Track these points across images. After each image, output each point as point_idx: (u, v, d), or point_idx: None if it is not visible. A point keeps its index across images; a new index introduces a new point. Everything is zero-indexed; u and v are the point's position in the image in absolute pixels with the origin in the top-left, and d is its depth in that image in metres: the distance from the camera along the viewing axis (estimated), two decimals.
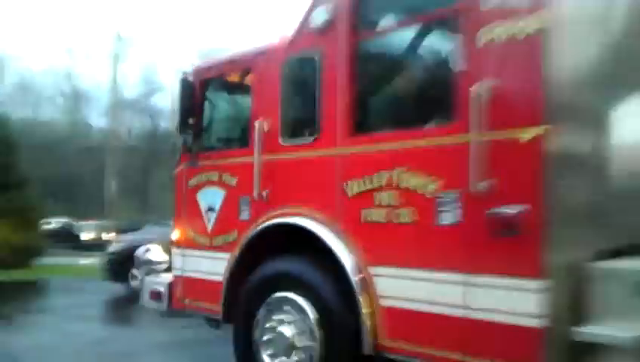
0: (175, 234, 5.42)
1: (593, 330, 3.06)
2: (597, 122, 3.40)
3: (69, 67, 45.12)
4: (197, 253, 5.17)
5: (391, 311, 3.75)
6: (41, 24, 65.03)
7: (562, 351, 3.09)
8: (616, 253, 3.37)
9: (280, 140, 4.50)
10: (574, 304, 3.20)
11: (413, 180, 3.65)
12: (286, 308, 4.26)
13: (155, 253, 5.78)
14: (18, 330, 7.88)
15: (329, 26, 4.17)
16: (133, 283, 10.39)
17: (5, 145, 17.69)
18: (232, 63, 5.16)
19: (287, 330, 4.21)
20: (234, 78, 5.18)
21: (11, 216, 16.50)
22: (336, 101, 4.11)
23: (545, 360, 3.06)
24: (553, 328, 3.07)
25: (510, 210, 3.18)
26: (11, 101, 39.37)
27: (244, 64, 4.97)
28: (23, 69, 48.48)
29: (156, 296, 5.54)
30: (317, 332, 4.05)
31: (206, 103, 5.32)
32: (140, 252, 5.89)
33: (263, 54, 4.72)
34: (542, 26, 3.13)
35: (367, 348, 3.81)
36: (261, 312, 4.41)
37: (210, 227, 5.08)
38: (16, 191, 17.21)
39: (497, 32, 3.30)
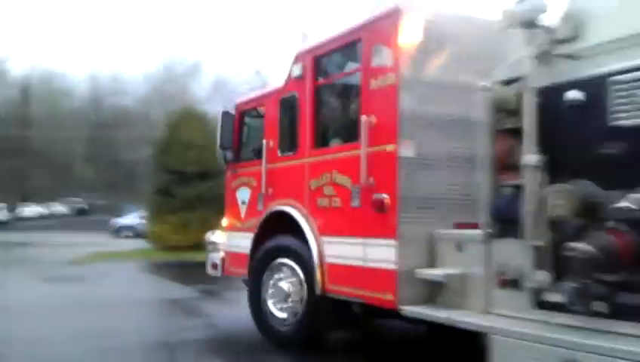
0: (224, 221, 7.78)
1: (424, 271, 4.92)
2: (431, 140, 5.19)
3: (258, 65, 50.78)
4: (235, 234, 7.49)
5: (331, 265, 5.78)
6: (231, 27, 71.96)
7: (409, 285, 4.97)
8: (469, 226, 5.14)
9: (278, 153, 6.68)
10: (427, 256, 5.06)
11: (340, 178, 5.67)
12: (283, 269, 6.41)
13: (216, 235, 8.16)
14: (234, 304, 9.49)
15: (301, 77, 6.28)
16: None
17: (204, 137, 20.38)
18: (256, 100, 7.43)
19: (284, 285, 6.36)
20: (257, 111, 7.43)
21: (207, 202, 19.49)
22: (305, 126, 6.22)
23: (398, 290, 4.96)
24: (402, 270, 4.96)
25: (382, 196, 5.11)
26: (208, 100, 44.61)
27: (262, 101, 7.22)
28: (218, 69, 55.00)
29: (214, 266, 7.92)
30: (304, 284, 6.11)
31: (242, 128, 7.65)
32: (207, 235, 8.31)
33: (271, 94, 6.93)
34: (395, 80, 5.05)
35: (317, 290, 5.86)
36: (266, 274, 6.60)
37: (242, 215, 7.38)
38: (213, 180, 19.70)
39: (376, 82, 5.25)
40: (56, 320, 8.21)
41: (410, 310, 4.88)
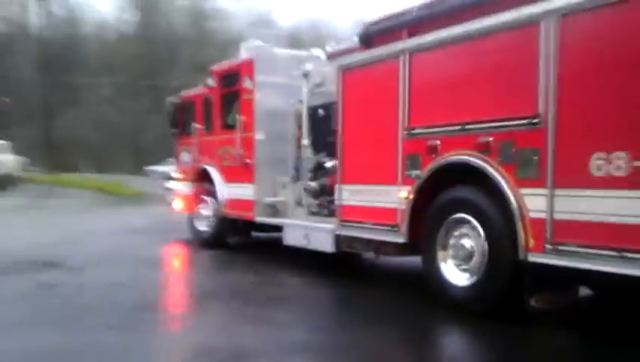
0: (174, 175, 12.54)
1: (267, 199, 9.66)
2: (271, 128, 9.83)
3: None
4: (180, 183, 12.24)
5: (228, 200, 10.55)
6: None
7: (262, 209, 9.71)
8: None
9: (203, 132, 11.38)
10: (270, 191, 9.79)
11: (230, 149, 10.41)
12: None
13: (171, 184, 12.93)
14: None
15: (213, 86, 10.89)
16: None
17: None
18: (190, 97, 11.96)
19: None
20: (191, 103, 12.02)
21: None
22: (216, 117, 10.93)
23: (254, 212, 9.71)
24: (256, 200, 9.70)
25: (247, 160, 9.83)
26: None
27: (193, 98, 11.78)
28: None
29: (170, 204, 12.72)
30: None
31: (183, 114, 12.34)
32: (165, 184, 13.13)
33: (198, 95, 11.53)
34: (252, 96, 9.71)
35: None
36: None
37: (182, 170, 12.15)
38: None
39: (245, 96, 9.89)
40: None
41: (259, 219, 9.68)
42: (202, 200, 11.16)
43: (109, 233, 13.29)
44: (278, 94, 9.67)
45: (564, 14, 5.17)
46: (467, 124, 6.03)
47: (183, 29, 61.04)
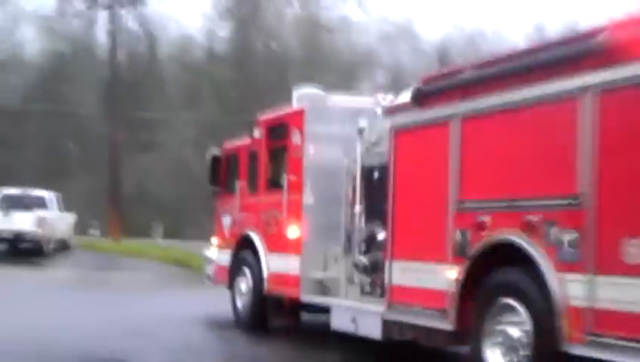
0: (214, 240, 13.50)
1: (318, 275, 10.37)
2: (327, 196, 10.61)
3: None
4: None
5: (271, 274, 11.35)
6: None
7: (310, 286, 10.43)
8: None
9: (247, 191, 12.34)
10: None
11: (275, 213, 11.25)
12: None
13: (210, 251, 13.92)
14: None
15: (259, 138, 11.84)
16: None
17: None
18: (234, 149, 13.02)
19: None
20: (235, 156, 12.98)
21: None
22: (261, 173, 11.91)
23: (300, 289, 10.43)
24: (303, 275, 10.43)
25: (295, 226, 10.62)
26: None
27: (237, 151, 12.79)
28: None
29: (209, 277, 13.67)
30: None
31: (228, 168, 13.34)
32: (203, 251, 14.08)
33: (243, 147, 12.53)
34: (301, 154, 10.52)
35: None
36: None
37: (227, 235, 13.13)
38: None
39: (294, 153, 10.74)
40: None
41: (305, 298, 10.36)
42: (243, 273, 12.02)
43: (188, 321, 13.07)
44: (332, 151, 10.45)
45: (604, 90, 5.86)
46: (514, 200, 6.74)
47: (292, 46, 59.88)
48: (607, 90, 5.82)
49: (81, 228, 37.52)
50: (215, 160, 13.42)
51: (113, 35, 45.51)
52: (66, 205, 32.73)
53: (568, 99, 6.17)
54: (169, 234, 45.43)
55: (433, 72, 8.30)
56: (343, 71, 56.57)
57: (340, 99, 11.03)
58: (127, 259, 30.14)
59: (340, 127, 10.34)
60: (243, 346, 11.13)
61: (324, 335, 10.80)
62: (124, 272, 25.21)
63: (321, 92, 11.19)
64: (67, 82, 58.62)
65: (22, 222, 27.53)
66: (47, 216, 28.52)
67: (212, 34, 61.57)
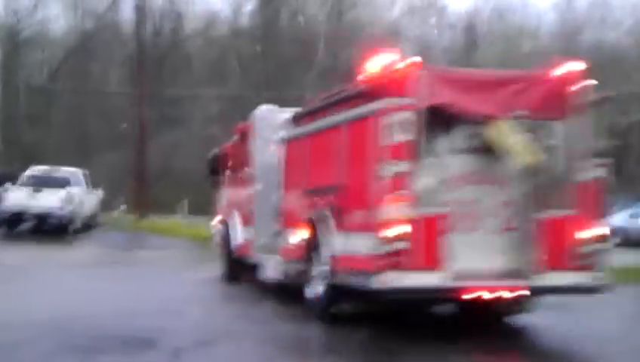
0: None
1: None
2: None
3: None
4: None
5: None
6: None
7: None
8: None
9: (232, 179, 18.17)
10: None
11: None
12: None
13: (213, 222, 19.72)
14: None
15: (234, 143, 17.80)
16: None
17: None
18: (224, 150, 19.22)
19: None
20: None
21: None
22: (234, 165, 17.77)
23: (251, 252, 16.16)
24: (254, 241, 16.14)
25: (251, 206, 16.41)
26: None
27: (226, 151, 19.04)
28: None
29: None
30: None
31: (219, 163, 19.50)
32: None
33: (224, 150, 18.70)
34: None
35: None
36: None
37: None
38: None
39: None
40: None
41: (256, 257, 16.21)
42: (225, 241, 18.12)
43: (219, 300, 16.36)
44: (273, 151, 15.79)
45: (350, 121, 11.71)
46: (322, 189, 12.49)
47: (318, 20, 64.77)
48: (351, 121, 11.40)
49: (107, 205, 40.80)
50: (213, 158, 19.75)
51: (139, 10, 48.76)
52: (93, 182, 35.06)
53: (337, 127, 11.93)
54: (194, 210, 46.00)
55: (309, 98, 14.04)
56: (368, 45, 59.47)
57: (283, 112, 16.24)
58: (154, 236, 32.66)
59: (279, 134, 15.79)
60: (271, 324, 12.50)
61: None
62: (152, 250, 26.85)
63: (274, 108, 16.73)
64: (93, 59, 63.98)
65: (50, 199, 29.64)
66: (74, 193, 30.66)
67: (237, 8, 66.92)
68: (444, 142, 10.67)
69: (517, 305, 11.63)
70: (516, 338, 11.69)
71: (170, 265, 22.40)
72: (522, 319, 12.03)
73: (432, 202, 10.34)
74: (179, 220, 41.88)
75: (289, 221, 14.00)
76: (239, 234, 17.28)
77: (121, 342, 10.27)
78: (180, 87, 59.91)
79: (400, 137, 10.24)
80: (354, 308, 12.50)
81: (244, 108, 52.63)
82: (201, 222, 34.17)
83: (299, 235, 13.17)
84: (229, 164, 18.48)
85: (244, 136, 17.24)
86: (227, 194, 18.75)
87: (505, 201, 10.73)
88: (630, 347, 10.94)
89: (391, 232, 10.09)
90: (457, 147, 10.69)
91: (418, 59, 10.64)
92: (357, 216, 11.07)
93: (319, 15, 64.71)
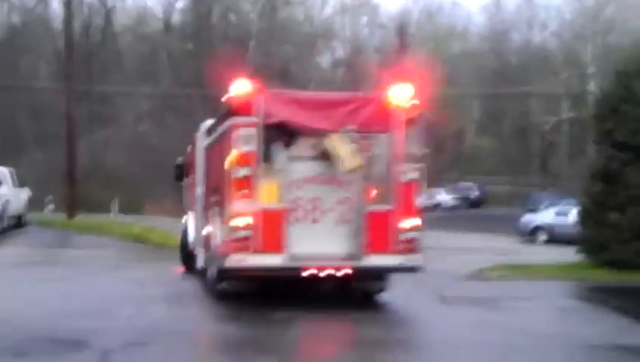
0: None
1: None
2: None
3: None
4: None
5: None
6: None
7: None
8: None
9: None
10: None
11: None
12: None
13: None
14: None
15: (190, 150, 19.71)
16: None
17: None
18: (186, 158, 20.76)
19: None
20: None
21: None
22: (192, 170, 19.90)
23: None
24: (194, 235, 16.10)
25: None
26: None
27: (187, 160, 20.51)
28: None
29: None
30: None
31: (183, 169, 21.36)
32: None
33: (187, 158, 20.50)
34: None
35: None
36: None
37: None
38: None
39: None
40: None
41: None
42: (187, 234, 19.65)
43: (150, 300, 14.42)
44: None
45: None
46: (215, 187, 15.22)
47: (251, 19, 64.24)
48: (221, 134, 14.22)
49: (36, 204, 39.91)
50: (178, 165, 21.52)
51: (68, 5, 47.04)
52: (21, 180, 33.88)
53: (218, 138, 14.76)
54: (126, 209, 47.76)
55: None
56: (302, 44, 62.08)
57: None
58: (84, 235, 31.53)
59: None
60: (205, 323, 13.40)
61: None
62: (81, 250, 26.23)
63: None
64: (21, 55, 62.51)
65: None
66: (1, 193, 29.68)
67: (169, 5, 66.50)
68: (289, 151, 13.16)
69: (376, 285, 14.47)
70: (369, 310, 14.17)
71: (101, 264, 21.92)
72: (383, 297, 14.68)
73: (275, 198, 13.06)
74: (110, 219, 41.53)
75: (206, 218, 16.29)
76: (191, 232, 18.70)
77: (49, 344, 10.19)
78: (111, 84, 59.47)
79: (245, 147, 13.02)
80: (237, 287, 14.38)
81: (175, 106, 55.03)
82: (131, 220, 35.44)
83: (206, 229, 15.91)
84: (188, 170, 20.01)
85: (193, 146, 18.95)
86: (187, 196, 20.68)
87: (341, 199, 13.31)
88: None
89: (236, 222, 12.92)
90: (302, 155, 13.28)
91: (260, 84, 13.52)
92: (223, 210, 13.67)
93: (251, 13, 65.16)
